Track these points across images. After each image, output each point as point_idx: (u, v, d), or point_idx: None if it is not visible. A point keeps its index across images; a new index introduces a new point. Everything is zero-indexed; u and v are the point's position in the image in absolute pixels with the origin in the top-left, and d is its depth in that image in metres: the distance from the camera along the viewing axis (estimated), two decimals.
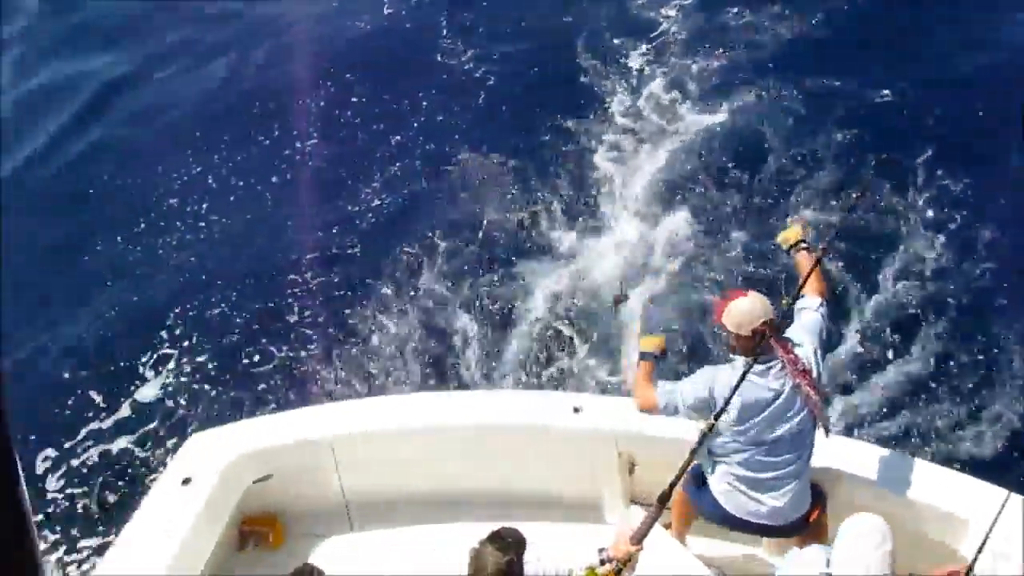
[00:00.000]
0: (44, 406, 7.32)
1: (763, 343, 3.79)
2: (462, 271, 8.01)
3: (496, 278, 7.89)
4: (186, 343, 7.78)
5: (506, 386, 6.92)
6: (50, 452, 7.02)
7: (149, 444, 7.02)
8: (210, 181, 9.35)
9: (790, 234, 4.36)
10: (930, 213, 7.82)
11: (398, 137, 9.54)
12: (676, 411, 3.95)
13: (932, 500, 4.07)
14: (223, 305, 8.04)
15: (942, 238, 7.60)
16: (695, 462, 3.83)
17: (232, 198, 9.14)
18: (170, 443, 6.83)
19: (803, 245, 4.28)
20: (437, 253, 8.19)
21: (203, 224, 8.87)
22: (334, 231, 8.60)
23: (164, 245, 8.72)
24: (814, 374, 3.84)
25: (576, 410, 4.71)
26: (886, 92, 9.05)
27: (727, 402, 3.74)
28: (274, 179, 9.30)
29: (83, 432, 7.17)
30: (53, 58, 11.91)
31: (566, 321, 7.48)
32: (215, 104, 10.51)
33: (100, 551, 6.11)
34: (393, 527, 4.99)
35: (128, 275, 8.52)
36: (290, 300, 8.02)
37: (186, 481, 4.64)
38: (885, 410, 6.51)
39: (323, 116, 9.95)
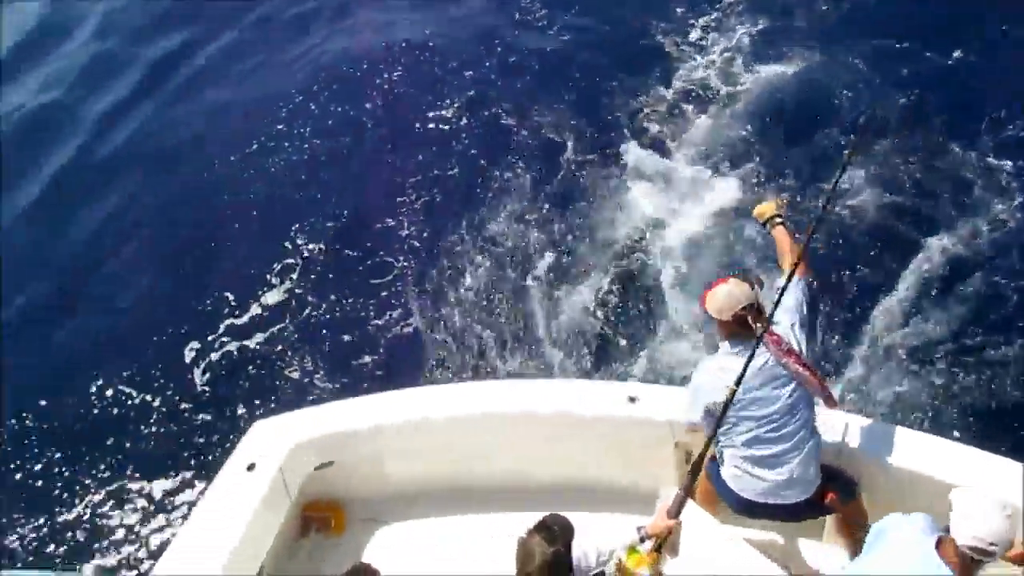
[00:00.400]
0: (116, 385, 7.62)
1: (745, 327, 3.85)
2: (520, 254, 8.05)
3: (552, 260, 7.90)
4: (248, 331, 7.94)
5: (561, 374, 6.92)
6: (116, 438, 7.27)
7: (215, 431, 7.17)
8: (274, 168, 9.50)
9: (765, 208, 4.34)
10: (1001, 178, 7.66)
11: (458, 113, 9.61)
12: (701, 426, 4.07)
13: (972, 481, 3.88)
14: (283, 293, 8.19)
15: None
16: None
17: (300, 193, 9.27)
18: (234, 430, 6.96)
19: (778, 220, 4.27)
20: (490, 236, 8.25)
21: (253, 220, 9.02)
22: (395, 223, 8.66)
23: (231, 233, 8.90)
24: (797, 349, 3.85)
25: (632, 399, 4.67)
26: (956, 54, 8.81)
27: (733, 394, 3.79)
28: (340, 169, 9.42)
29: (154, 416, 7.39)
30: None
31: (622, 306, 7.46)
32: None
33: (168, 536, 6.30)
34: (451, 515, 5.02)
35: (191, 259, 8.76)
36: (348, 289, 8.11)
37: (250, 467, 4.73)
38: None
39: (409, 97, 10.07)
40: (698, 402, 4.03)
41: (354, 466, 5.03)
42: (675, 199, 8.19)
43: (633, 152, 8.67)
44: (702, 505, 4.38)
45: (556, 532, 3.16)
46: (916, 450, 4.18)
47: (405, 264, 8.20)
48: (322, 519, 5.12)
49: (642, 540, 3.49)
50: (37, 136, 10.98)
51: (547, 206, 8.41)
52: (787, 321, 3.94)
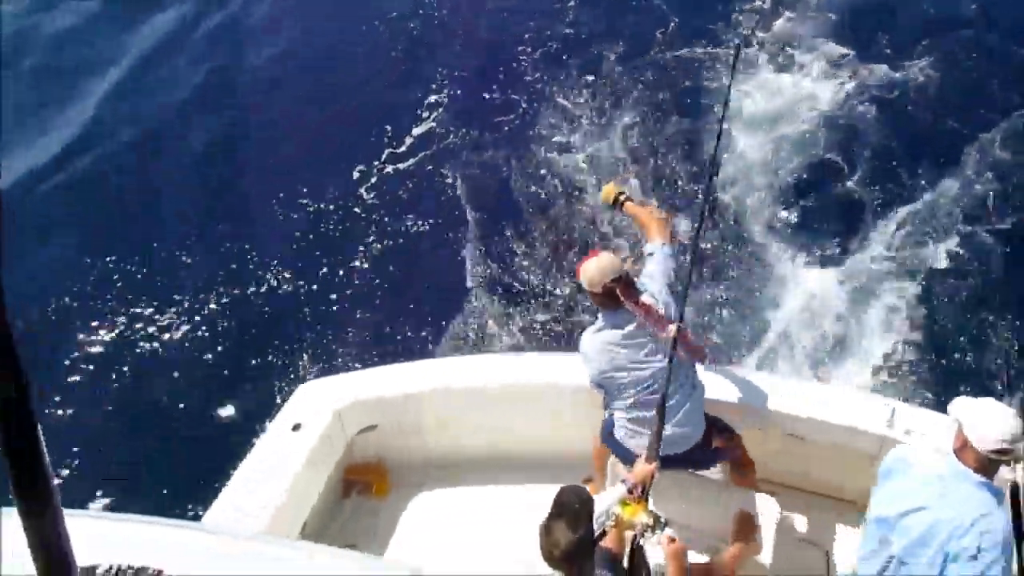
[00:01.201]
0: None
1: (614, 299, 4.03)
2: (563, 237, 8.02)
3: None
4: (294, 294, 8.02)
5: None
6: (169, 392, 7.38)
7: (260, 392, 7.25)
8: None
9: (608, 191, 4.52)
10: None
11: (514, 100, 9.54)
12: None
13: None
14: (330, 255, 8.26)
15: None
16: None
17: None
18: (280, 392, 7.06)
19: (623, 197, 4.46)
20: (538, 218, 8.24)
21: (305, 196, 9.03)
22: (450, 191, 8.68)
23: (288, 198, 8.95)
24: (663, 313, 4.05)
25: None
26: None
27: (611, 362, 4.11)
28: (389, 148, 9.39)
29: (199, 374, 7.50)
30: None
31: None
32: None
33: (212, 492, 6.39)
34: (492, 484, 5.04)
35: (246, 225, 8.81)
36: (400, 259, 8.14)
37: (296, 427, 4.77)
38: None
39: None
40: (589, 370, 4.24)
41: (397, 431, 5.06)
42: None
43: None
44: (595, 464, 4.64)
45: (579, 512, 3.03)
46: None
47: (459, 232, 8.23)
48: (364, 482, 5.17)
49: (630, 491, 3.58)
50: None
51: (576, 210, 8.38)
52: (654, 288, 4.14)
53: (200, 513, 4.72)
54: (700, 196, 4.30)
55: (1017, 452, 3.14)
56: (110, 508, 6.51)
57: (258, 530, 4.21)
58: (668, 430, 4.06)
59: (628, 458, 4.25)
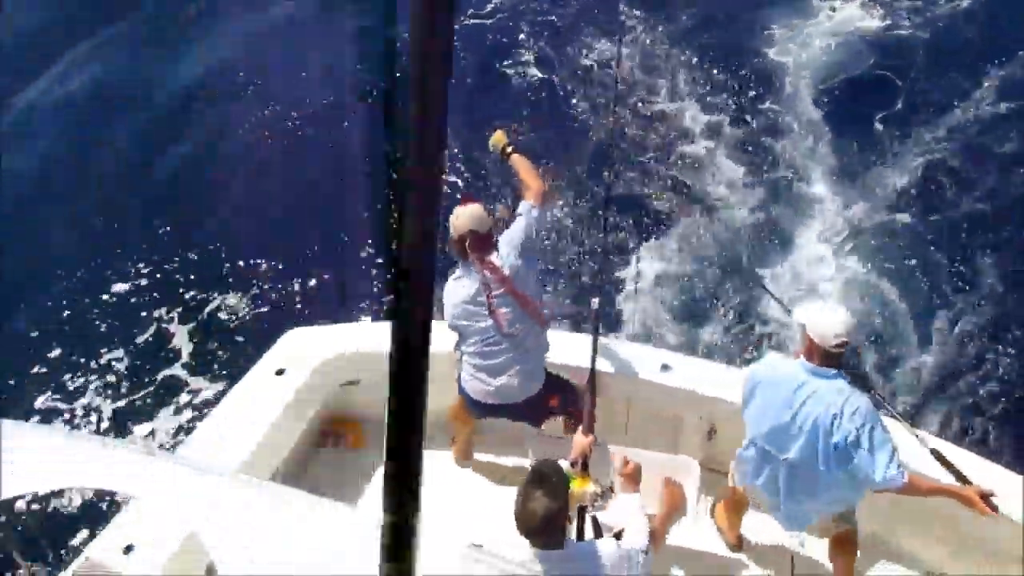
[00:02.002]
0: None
1: (464, 252, 4.18)
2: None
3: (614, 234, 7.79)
4: (291, 242, 8.02)
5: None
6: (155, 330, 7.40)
7: (246, 335, 7.27)
8: None
9: (498, 137, 4.60)
10: None
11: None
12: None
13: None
14: (324, 211, 8.28)
15: None
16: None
17: None
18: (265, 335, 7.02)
19: (509, 148, 4.54)
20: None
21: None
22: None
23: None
24: (508, 274, 4.16)
25: (664, 367, 4.66)
26: None
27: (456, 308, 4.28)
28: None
29: (177, 313, 7.50)
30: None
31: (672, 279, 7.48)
32: None
33: (187, 428, 6.46)
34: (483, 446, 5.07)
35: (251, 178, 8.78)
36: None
37: (279, 372, 4.78)
38: None
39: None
40: (445, 314, 4.35)
41: (379, 388, 5.01)
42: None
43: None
44: (453, 415, 4.78)
45: (556, 484, 3.07)
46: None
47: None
48: (340, 434, 5.19)
49: (572, 465, 3.74)
50: None
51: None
52: (505, 251, 4.22)
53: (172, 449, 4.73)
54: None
55: (851, 341, 3.61)
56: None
57: (230, 469, 4.21)
58: (494, 383, 4.33)
59: (469, 403, 4.51)
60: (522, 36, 10.05)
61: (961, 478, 3.66)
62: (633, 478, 3.64)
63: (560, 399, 4.49)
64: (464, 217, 4.19)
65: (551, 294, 7.21)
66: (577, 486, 3.61)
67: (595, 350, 4.27)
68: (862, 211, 7.98)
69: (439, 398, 4.88)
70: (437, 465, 5.00)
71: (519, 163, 4.50)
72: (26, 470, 3.13)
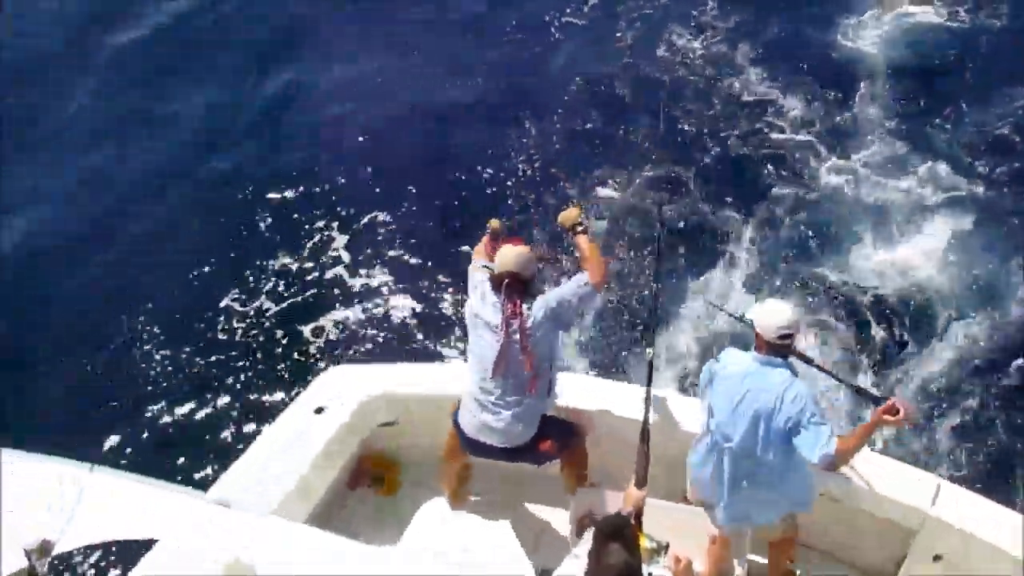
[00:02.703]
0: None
1: (498, 288, 4.19)
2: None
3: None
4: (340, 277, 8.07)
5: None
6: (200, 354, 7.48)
7: (285, 371, 7.32)
8: None
9: (569, 215, 4.52)
10: None
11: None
12: None
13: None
14: (376, 252, 8.30)
15: None
16: None
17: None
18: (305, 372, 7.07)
19: (580, 228, 4.46)
20: None
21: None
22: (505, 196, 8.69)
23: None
24: (527, 326, 4.13)
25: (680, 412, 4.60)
26: None
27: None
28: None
29: (223, 343, 7.59)
30: None
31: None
32: None
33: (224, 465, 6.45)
34: (504, 496, 4.97)
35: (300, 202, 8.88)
36: (439, 255, 8.14)
37: (319, 410, 4.78)
38: None
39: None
40: (467, 306, 4.40)
41: (416, 429, 5.03)
42: None
43: None
44: (444, 451, 4.67)
45: (630, 538, 3.03)
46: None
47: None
48: (374, 476, 5.16)
49: (628, 518, 3.54)
50: None
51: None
52: (538, 306, 4.20)
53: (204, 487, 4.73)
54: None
55: (795, 333, 3.84)
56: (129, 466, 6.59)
57: (266, 509, 4.20)
58: (485, 420, 4.27)
59: (461, 437, 4.43)
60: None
61: (872, 399, 3.94)
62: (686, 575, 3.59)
63: (554, 443, 4.41)
64: (509, 256, 4.19)
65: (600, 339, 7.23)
66: None
67: (648, 401, 4.16)
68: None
69: (429, 442, 4.85)
70: (431, 511, 4.91)
71: (585, 244, 4.41)
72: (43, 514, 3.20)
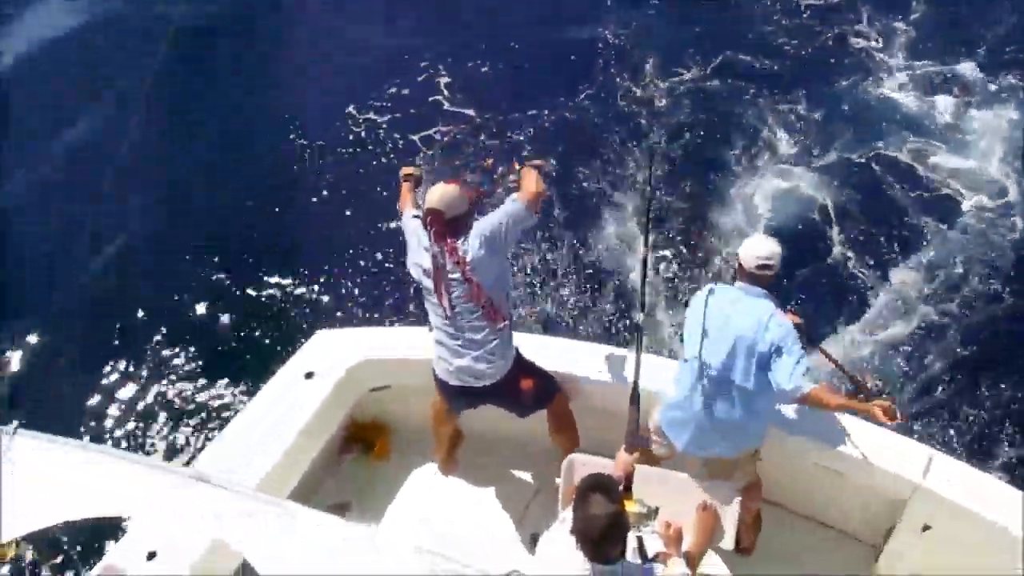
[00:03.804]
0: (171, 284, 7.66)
1: (425, 226, 4.18)
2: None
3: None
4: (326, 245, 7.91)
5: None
6: (177, 328, 7.31)
7: (274, 334, 7.18)
8: None
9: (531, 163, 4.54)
10: None
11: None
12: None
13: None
14: (363, 212, 8.13)
15: None
16: None
17: None
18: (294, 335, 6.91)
19: (534, 164, 4.46)
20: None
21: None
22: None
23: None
24: (465, 259, 4.10)
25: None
26: None
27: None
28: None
29: (205, 310, 7.43)
30: None
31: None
32: None
33: (215, 430, 6.36)
34: (495, 459, 4.95)
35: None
36: None
37: (309, 375, 4.68)
38: None
39: None
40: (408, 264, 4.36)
41: (408, 394, 4.94)
42: None
43: None
44: (433, 415, 4.68)
45: (614, 493, 3.02)
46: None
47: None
48: (366, 441, 5.08)
49: (618, 482, 3.50)
50: None
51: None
52: (472, 236, 4.15)
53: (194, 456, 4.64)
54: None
55: (774, 265, 3.95)
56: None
57: (259, 476, 4.13)
58: (456, 363, 4.24)
59: (442, 390, 4.42)
60: None
61: (866, 393, 3.88)
62: (676, 541, 3.56)
63: (536, 383, 4.40)
64: (435, 194, 4.14)
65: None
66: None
67: (639, 364, 4.14)
68: None
69: (422, 407, 4.78)
70: (422, 476, 4.94)
71: (529, 173, 4.39)
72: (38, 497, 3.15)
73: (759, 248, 3.99)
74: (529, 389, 4.38)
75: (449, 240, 4.11)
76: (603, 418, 4.39)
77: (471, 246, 4.12)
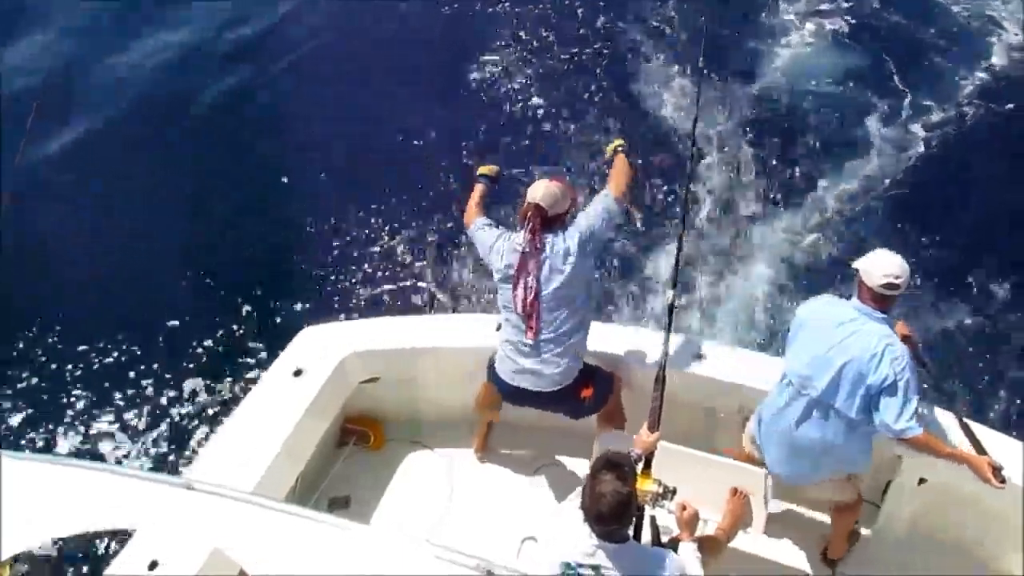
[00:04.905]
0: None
1: (524, 219, 4.09)
2: None
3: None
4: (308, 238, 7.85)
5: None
6: (169, 330, 7.20)
7: (259, 333, 7.08)
8: None
9: (614, 144, 4.49)
10: None
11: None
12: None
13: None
14: (349, 205, 8.07)
15: None
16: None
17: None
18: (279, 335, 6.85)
19: (620, 150, 4.42)
20: None
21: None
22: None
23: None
24: (561, 259, 4.04)
25: (699, 357, 4.51)
26: None
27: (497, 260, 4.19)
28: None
29: (189, 315, 7.30)
30: None
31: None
32: None
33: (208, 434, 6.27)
34: (491, 444, 4.96)
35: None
36: (424, 210, 7.94)
37: (298, 372, 4.63)
38: None
39: None
40: (487, 243, 4.26)
41: (399, 384, 4.93)
42: None
43: None
44: (478, 403, 4.65)
45: (627, 471, 3.01)
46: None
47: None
48: (361, 433, 5.06)
49: (637, 461, 3.54)
50: None
51: None
52: (570, 236, 4.08)
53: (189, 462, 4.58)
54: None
55: (901, 285, 3.60)
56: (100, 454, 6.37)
57: (255, 478, 4.08)
58: (524, 364, 4.17)
59: (500, 387, 4.34)
60: None
61: (979, 448, 3.69)
62: (689, 524, 3.56)
63: (595, 392, 4.32)
64: (538, 190, 4.07)
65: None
66: (640, 483, 3.46)
67: (667, 345, 4.05)
68: None
69: (466, 394, 4.77)
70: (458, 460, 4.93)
71: (619, 162, 4.33)
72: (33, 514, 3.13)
73: (888, 264, 3.61)
74: (588, 398, 4.31)
75: (546, 237, 4.05)
76: (640, 397, 4.30)
77: (567, 246, 4.05)
